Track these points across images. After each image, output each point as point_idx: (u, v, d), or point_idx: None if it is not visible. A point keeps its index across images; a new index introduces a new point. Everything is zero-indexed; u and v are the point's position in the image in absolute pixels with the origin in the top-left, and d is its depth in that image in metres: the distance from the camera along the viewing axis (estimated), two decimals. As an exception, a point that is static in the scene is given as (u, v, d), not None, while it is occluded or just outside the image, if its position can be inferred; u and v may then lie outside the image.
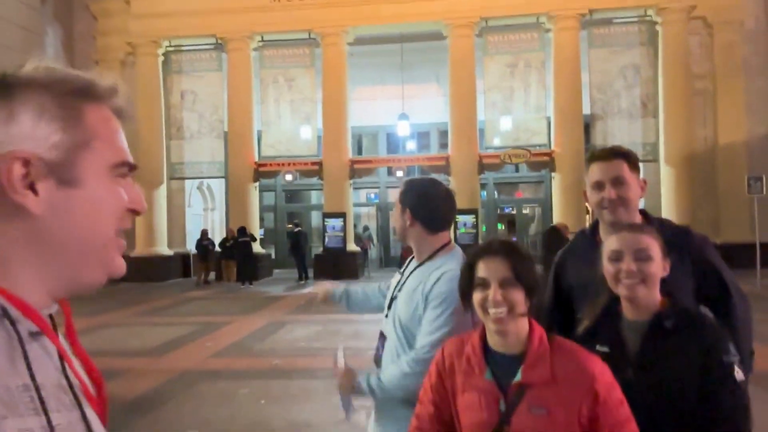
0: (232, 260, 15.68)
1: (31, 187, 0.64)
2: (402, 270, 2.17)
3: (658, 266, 1.64)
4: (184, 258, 17.66)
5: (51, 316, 0.70)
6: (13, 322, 0.63)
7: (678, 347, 1.57)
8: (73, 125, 0.67)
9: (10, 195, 0.63)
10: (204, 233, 16.53)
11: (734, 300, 1.94)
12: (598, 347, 1.61)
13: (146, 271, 15.94)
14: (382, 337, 2.09)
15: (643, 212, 2.03)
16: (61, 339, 0.71)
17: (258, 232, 17.26)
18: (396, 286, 2.12)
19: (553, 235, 8.90)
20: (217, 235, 18.21)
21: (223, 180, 18.00)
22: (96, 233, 0.69)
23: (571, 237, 8.21)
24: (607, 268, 1.67)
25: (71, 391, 0.67)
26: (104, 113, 0.71)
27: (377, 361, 2.10)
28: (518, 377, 1.41)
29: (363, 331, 7.87)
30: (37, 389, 0.62)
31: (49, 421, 0.62)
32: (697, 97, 15.80)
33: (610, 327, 1.68)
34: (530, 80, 15.77)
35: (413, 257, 2.14)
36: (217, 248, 16.10)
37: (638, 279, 1.61)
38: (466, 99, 15.72)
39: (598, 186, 1.94)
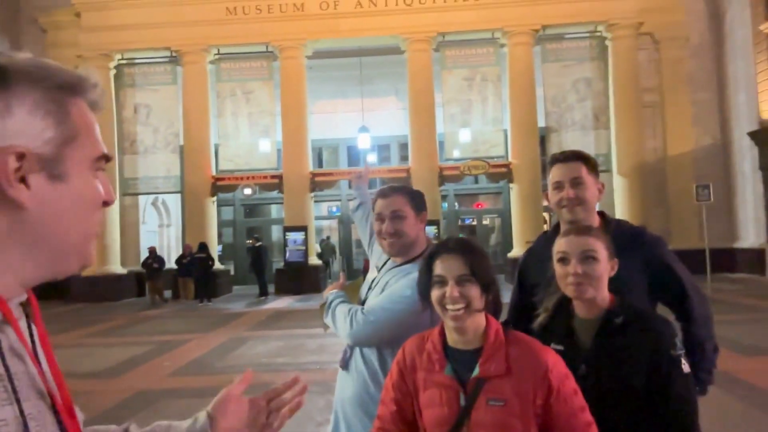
0: (189, 277, 15.22)
1: (23, 181, 0.65)
2: (379, 270, 2.18)
3: (604, 267, 1.69)
4: (139, 276, 17.05)
5: (22, 305, 0.70)
6: None
7: (628, 343, 1.62)
8: (62, 120, 0.69)
9: (5, 188, 0.64)
10: (151, 251, 15.77)
11: (691, 297, 1.99)
12: (552, 345, 1.65)
13: (99, 291, 15.38)
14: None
15: (601, 213, 2.11)
16: (33, 333, 0.71)
17: (216, 248, 16.86)
18: (369, 287, 2.14)
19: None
20: (174, 252, 17.71)
21: (179, 195, 17.58)
22: (78, 227, 0.70)
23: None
24: (557, 269, 1.73)
25: (40, 380, 0.68)
26: (82, 107, 0.72)
27: (345, 365, 2.09)
28: (476, 371, 1.44)
29: (327, 344, 7.74)
30: (11, 379, 0.63)
31: (21, 411, 0.62)
32: (646, 109, 16.43)
33: (563, 325, 1.73)
34: (487, 93, 16.07)
35: (387, 259, 2.16)
36: (173, 265, 15.60)
37: (584, 281, 1.65)
38: (425, 112, 15.89)
39: (558, 186, 2.03)
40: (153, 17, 15.78)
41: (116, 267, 16.41)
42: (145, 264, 15.50)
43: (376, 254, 2.29)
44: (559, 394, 1.41)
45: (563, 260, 1.71)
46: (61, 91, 0.69)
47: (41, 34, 17.39)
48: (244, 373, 0.97)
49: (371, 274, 2.22)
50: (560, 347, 1.65)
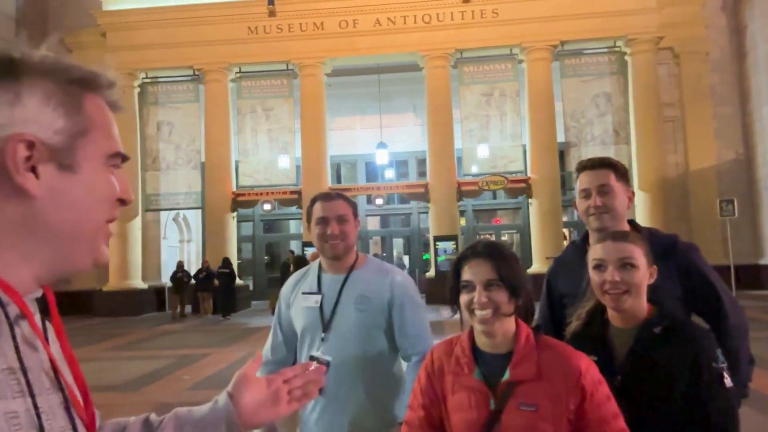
0: (207, 292, 15.37)
1: (33, 170, 0.66)
2: (316, 286, 2.15)
3: (643, 275, 1.62)
4: (159, 291, 17.25)
5: (38, 301, 0.71)
6: (2, 305, 0.63)
7: (666, 354, 1.56)
8: (74, 113, 0.69)
9: (13, 175, 0.64)
10: (179, 265, 16.19)
11: (726, 306, 1.92)
12: (586, 356, 1.58)
13: (120, 306, 15.56)
14: (317, 362, 2.00)
15: (631, 222, 2.05)
16: (51, 333, 0.72)
17: (235, 263, 17.00)
18: (320, 308, 2.10)
19: (302, 265, 7.23)
20: (194, 267, 17.89)
21: (199, 211, 17.80)
22: (89, 219, 0.70)
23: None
24: (593, 277, 1.67)
25: (54, 375, 0.68)
26: (101, 104, 0.73)
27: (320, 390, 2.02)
28: (506, 375, 1.42)
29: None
30: (25, 372, 0.63)
31: (35, 404, 0.63)
32: (667, 124, 16.27)
33: (598, 334, 1.67)
34: (505, 109, 16.08)
35: (309, 272, 2.21)
36: (192, 280, 15.79)
37: (622, 289, 1.59)
38: (443, 127, 15.93)
39: (585, 194, 1.98)
40: (176, 37, 16.15)
41: (137, 282, 16.61)
42: (174, 277, 15.70)
43: (290, 289, 2.24)
44: (593, 399, 1.38)
45: (599, 267, 1.64)
46: (76, 85, 0.70)
47: (67, 54, 17.88)
48: (256, 355, 1.00)
49: (306, 302, 2.14)
50: (593, 357, 1.59)
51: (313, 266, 2.24)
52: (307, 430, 2.09)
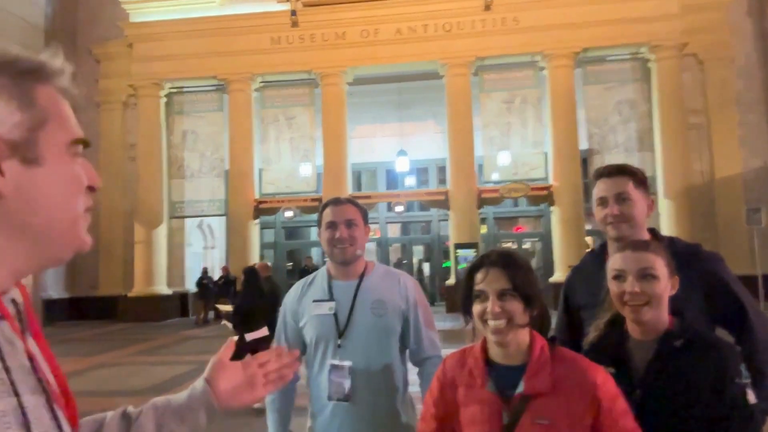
0: (227, 299, 15.56)
1: None
2: (327, 293, 2.14)
3: (664, 285, 1.57)
4: (183, 297, 17.52)
5: (14, 302, 0.70)
6: None
7: (687, 368, 1.51)
8: (28, 105, 0.67)
9: None
10: (204, 271, 16.47)
11: (751, 319, 1.83)
12: (603, 368, 1.56)
13: (144, 311, 15.80)
14: (340, 369, 2.02)
15: (652, 231, 1.99)
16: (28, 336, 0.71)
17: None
18: (334, 316, 2.08)
19: (251, 277, 6.92)
20: (217, 274, 18.11)
21: (223, 218, 18.04)
22: (62, 210, 0.69)
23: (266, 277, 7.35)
24: (612, 288, 1.63)
25: (35, 376, 0.67)
26: (52, 93, 0.71)
27: (344, 395, 2.01)
28: (520, 388, 1.40)
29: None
30: (8, 371, 0.62)
31: (20, 403, 0.62)
32: (691, 131, 16.01)
33: (616, 346, 1.63)
34: (527, 116, 16.00)
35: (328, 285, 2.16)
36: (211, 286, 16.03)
37: (643, 300, 1.55)
38: (464, 135, 15.92)
39: (602, 202, 1.92)
40: (201, 47, 16.45)
41: (162, 288, 16.88)
42: (199, 283, 15.93)
43: (301, 298, 2.21)
44: (610, 413, 1.35)
45: (619, 277, 1.60)
46: (24, 76, 0.68)
47: (96, 65, 18.33)
48: (228, 341, 1.03)
49: (319, 309, 2.11)
50: (611, 370, 1.55)
51: (321, 273, 2.22)
52: None
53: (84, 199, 0.72)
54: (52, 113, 0.70)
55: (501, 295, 1.41)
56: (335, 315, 2.07)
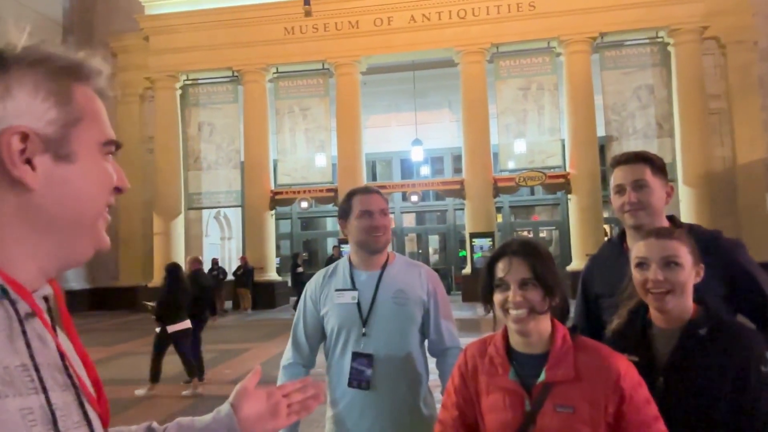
0: (246, 288, 15.73)
1: (29, 162, 0.65)
2: (350, 283, 2.15)
3: (689, 273, 1.55)
4: (202, 287, 17.70)
5: (46, 298, 0.70)
6: (12, 302, 0.63)
7: (712, 356, 1.50)
8: (65, 102, 0.68)
9: (9, 169, 0.64)
10: (214, 262, 16.51)
11: None
12: (626, 356, 1.55)
13: (164, 301, 15.97)
14: (362, 357, 2.03)
15: (671, 218, 1.97)
16: (59, 331, 0.71)
17: (274, 260, 17.33)
18: (357, 305, 2.10)
19: (175, 275, 7.20)
20: (234, 264, 18.31)
21: (239, 209, 18.17)
22: (89, 208, 0.70)
23: (198, 272, 7.68)
24: (635, 276, 1.61)
25: (66, 372, 0.68)
26: (89, 93, 0.72)
27: (365, 383, 2.03)
28: (542, 377, 1.40)
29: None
30: (37, 369, 0.63)
31: (48, 400, 0.62)
32: (712, 116, 15.72)
33: (639, 334, 1.62)
34: (543, 102, 15.82)
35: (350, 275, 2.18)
36: (230, 276, 16.16)
37: (666, 289, 1.54)
38: (479, 123, 15.81)
39: (620, 190, 1.91)
40: (216, 39, 16.49)
41: (180, 278, 17.06)
42: (210, 275, 16.07)
43: (324, 287, 2.22)
44: (632, 401, 1.35)
45: (642, 265, 1.58)
46: (63, 74, 0.69)
47: (113, 58, 18.48)
48: (254, 369, 1.04)
49: (341, 298, 2.13)
50: (634, 358, 1.54)
51: (342, 263, 2.23)
52: (351, 425, 2.06)
53: (107, 199, 0.73)
54: (88, 112, 0.71)
55: (522, 285, 1.41)
56: (358, 304, 2.09)
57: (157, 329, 6.93)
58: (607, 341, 1.62)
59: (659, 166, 1.91)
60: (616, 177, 1.93)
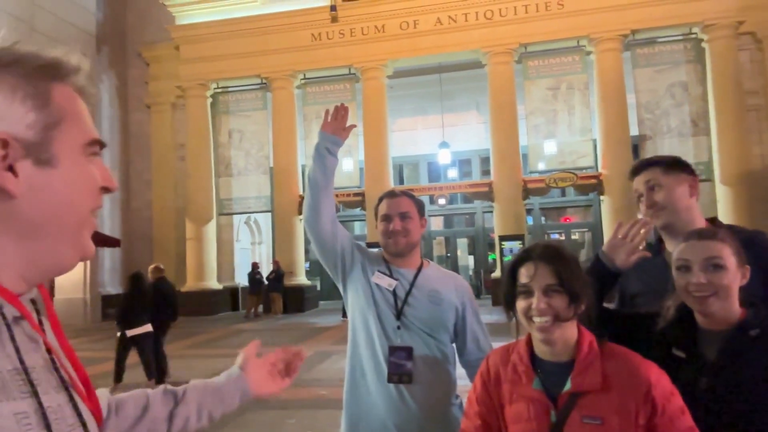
0: (278, 293, 15.88)
1: (11, 169, 0.63)
2: (388, 272, 2.14)
3: (733, 276, 1.48)
4: (233, 291, 17.97)
5: (33, 301, 0.69)
6: None
7: (762, 357, 1.44)
8: (43, 104, 0.66)
9: None
10: (254, 266, 16.86)
11: None
12: (674, 350, 1.50)
13: (196, 305, 16.26)
14: (401, 350, 2.00)
15: (712, 220, 1.97)
16: (47, 329, 0.71)
17: (304, 264, 17.47)
18: (393, 293, 2.09)
19: (136, 283, 7.69)
20: (264, 269, 18.49)
21: (269, 214, 18.37)
22: (72, 213, 0.68)
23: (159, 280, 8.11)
24: (676, 279, 1.55)
25: (57, 374, 0.67)
26: (68, 92, 0.69)
27: (406, 377, 1.99)
28: (568, 386, 1.34)
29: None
30: (27, 372, 0.62)
31: (40, 404, 0.62)
32: (750, 113, 15.22)
33: (685, 333, 1.55)
34: (574, 102, 15.56)
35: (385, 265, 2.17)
36: (264, 281, 16.36)
37: (709, 292, 1.47)
38: (508, 124, 15.65)
39: (639, 196, 1.98)
40: (244, 47, 16.75)
41: (213, 283, 17.36)
42: (252, 278, 16.34)
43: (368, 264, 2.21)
44: (665, 412, 1.28)
45: (683, 268, 1.52)
46: (40, 74, 0.66)
47: (145, 67, 18.92)
48: (252, 342, 1.20)
49: (380, 280, 2.12)
50: (682, 354, 1.49)
51: (379, 258, 2.22)
52: (388, 417, 2.00)
53: (94, 201, 0.71)
54: (68, 113, 0.68)
55: (546, 291, 1.35)
56: (394, 292, 2.08)
57: (118, 333, 7.32)
58: (653, 339, 1.57)
59: (670, 164, 1.94)
60: (634, 186, 2.00)
